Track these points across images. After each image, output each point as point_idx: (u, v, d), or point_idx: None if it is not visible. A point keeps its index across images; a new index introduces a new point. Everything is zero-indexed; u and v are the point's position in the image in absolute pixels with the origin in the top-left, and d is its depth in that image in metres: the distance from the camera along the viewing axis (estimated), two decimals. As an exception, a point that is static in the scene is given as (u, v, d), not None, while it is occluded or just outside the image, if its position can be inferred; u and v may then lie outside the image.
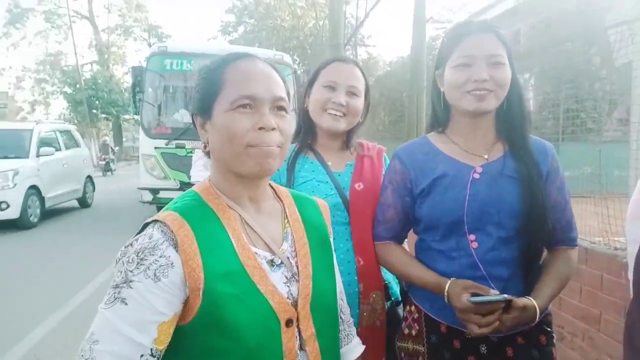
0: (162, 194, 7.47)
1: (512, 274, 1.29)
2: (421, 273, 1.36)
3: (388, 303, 1.61)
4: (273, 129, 0.91)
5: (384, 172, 1.68)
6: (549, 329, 1.36)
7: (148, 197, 7.65)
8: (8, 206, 8.07)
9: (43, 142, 9.59)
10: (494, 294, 1.19)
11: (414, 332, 1.41)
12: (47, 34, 31.55)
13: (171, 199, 1.01)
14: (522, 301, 1.17)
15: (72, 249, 6.96)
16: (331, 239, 1.13)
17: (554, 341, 1.37)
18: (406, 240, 1.59)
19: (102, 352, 0.78)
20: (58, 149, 10.13)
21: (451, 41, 1.35)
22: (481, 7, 14.99)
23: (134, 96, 7.95)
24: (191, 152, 7.36)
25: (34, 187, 8.83)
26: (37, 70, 30.41)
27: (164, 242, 0.84)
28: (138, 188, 7.85)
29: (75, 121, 28.76)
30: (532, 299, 1.20)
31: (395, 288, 1.68)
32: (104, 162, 20.55)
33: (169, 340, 0.84)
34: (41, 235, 8.11)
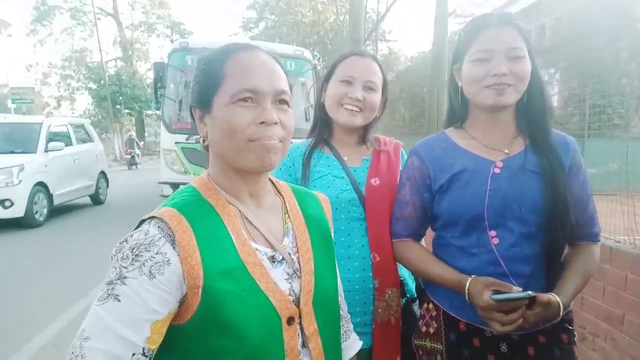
0: (182, 189, 7.53)
1: (534, 270, 1.26)
2: (441, 270, 1.34)
3: (403, 300, 1.59)
4: (275, 123, 0.89)
5: (401, 168, 1.67)
6: (570, 327, 1.32)
7: (168, 191, 7.73)
8: (12, 204, 7.60)
9: (53, 137, 9.11)
10: (516, 291, 1.16)
11: (431, 330, 1.39)
12: (73, 30, 32.18)
13: None
14: (546, 296, 1.14)
15: (79, 249, 6.59)
16: (332, 234, 1.11)
17: (575, 339, 1.34)
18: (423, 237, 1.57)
19: (92, 350, 0.76)
20: (69, 144, 9.67)
21: (469, 35, 1.32)
22: (505, 1, 14.74)
23: (156, 92, 8.04)
24: None
25: (41, 184, 8.33)
26: (63, 66, 31.00)
27: (160, 238, 0.82)
28: (159, 182, 7.96)
29: (100, 116, 29.36)
30: (555, 295, 1.17)
31: (411, 285, 1.66)
32: (129, 156, 21.07)
33: (161, 339, 0.82)
34: (47, 235, 7.61)
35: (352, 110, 1.57)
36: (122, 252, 0.82)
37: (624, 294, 2.36)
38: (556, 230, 1.24)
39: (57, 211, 9.25)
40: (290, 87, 0.97)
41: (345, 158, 1.62)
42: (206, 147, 0.96)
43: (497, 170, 1.29)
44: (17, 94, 20.98)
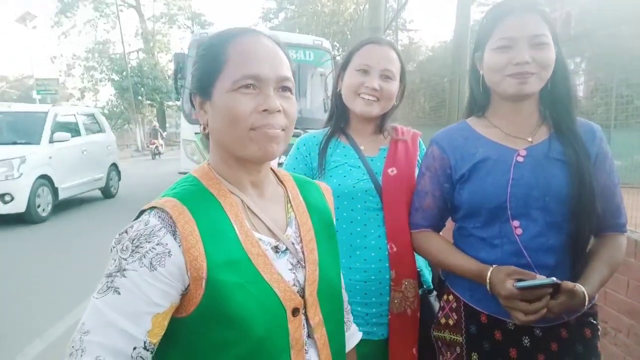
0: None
1: (559, 262, 1.23)
2: (461, 261, 1.32)
3: (420, 291, 1.57)
4: (278, 111, 0.86)
5: (419, 157, 1.64)
6: (594, 322, 1.29)
7: None
8: (12, 198, 7.07)
9: (59, 127, 8.53)
10: (540, 279, 1.13)
11: (451, 322, 1.37)
12: (96, 22, 32.57)
13: None
14: (570, 284, 1.11)
15: (84, 246, 6.14)
16: (334, 223, 1.10)
17: (599, 334, 1.31)
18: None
19: (92, 344, 0.74)
20: (77, 134, 9.13)
21: (491, 22, 1.28)
22: (529, -11, 14.39)
23: (176, 82, 8.08)
24: None
25: (44, 177, 7.78)
26: (86, 58, 31.42)
27: (161, 229, 0.80)
28: (179, 172, 8.02)
29: (122, 108, 29.80)
30: (580, 285, 1.14)
31: (428, 276, 1.65)
32: (153, 146, 21.59)
33: (163, 333, 0.80)
34: (51, 231, 7.11)
35: (368, 99, 1.55)
36: (121, 243, 0.80)
37: (649, 288, 2.31)
38: (582, 220, 1.21)
39: (64, 205, 8.75)
40: (294, 73, 0.94)
41: (362, 147, 1.60)
42: (207, 135, 0.94)
43: (520, 159, 1.26)
44: (42, 85, 21.37)
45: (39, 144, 7.94)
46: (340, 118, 1.67)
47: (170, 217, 0.81)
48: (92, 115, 10.40)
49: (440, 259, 1.39)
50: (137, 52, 33.25)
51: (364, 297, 1.50)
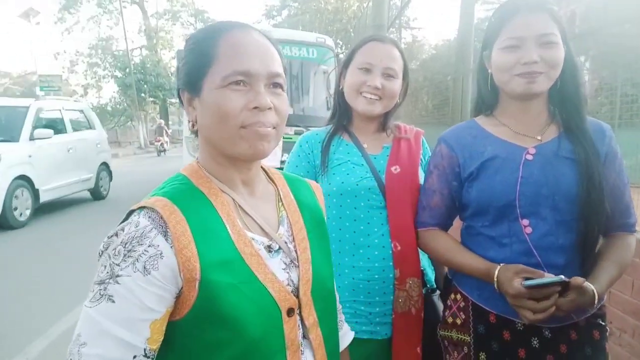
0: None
1: (569, 261, 1.22)
2: (469, 259, 1.31)
3: (423, 290, 1.56)
4: (269, 108, 0.84)
5: (421, 156, 1.64)
6: (603, 323, 1.28)
7: None
8: None
9: (42, 123, 7.90)
10: (548, 277, 1.12)
11: (459, 322, 1.36)
12: (99, 19, 32.57)
13: None
14: (580, 279, 1.10)
15: (65, 253, 5.68)
16: (326, 222, 1.09)
17: (607, 336, 1.30)
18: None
19: (90, 356, 0.72)
20: (62, 131, 8.46)
21: (499, 20, 1.28)
22: (534, -13, 14.30)
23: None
24: None
25: (23, 178, 7.10)
26: (89, 54, 31.49)
27: (152, 229, 0.77)
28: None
29: (125, 104, 29.82)
30: (589, 283, 1.13)
31: (431, 275, 1.64)
32: (159, 144, 21.86)
33: (162, 338, 0.79)
34: (29, 237, 6.51)
35: (370, 98, 1.55)
36: (112, 247, 0.77)
37: (654, 289, 2.29)
38: (592, 219, 1.20)
39: (47, 209, 8.14)
40: (285, 69, 0.92)
41: (365, 145, 1.60)
42: (195, 132, 0.92)
43: (529, 157, 1.26)
44: (45, 81, 21.34)
45: (17, 141, 7.26)
46: (342, 116, 1.66)
47: (161, 217, 0.78)
48: (81, 111, 9.62)
49: (448, 258, 1.38)
50: (140, 49, 33.28)
51: (367, 296, 1.49)
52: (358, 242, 1.50)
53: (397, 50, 1.59)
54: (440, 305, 1.57)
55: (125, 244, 0.76)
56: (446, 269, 1.53)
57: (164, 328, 0.78)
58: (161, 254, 0.76)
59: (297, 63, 6.91)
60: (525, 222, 1.23)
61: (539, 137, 1.28)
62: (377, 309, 1.50)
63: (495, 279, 1.19)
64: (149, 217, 0.78)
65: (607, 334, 1.30)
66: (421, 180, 1.58)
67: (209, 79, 0.84)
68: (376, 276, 1.49)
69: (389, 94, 1.56)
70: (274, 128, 0.86)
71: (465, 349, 1.33)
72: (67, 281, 4.66)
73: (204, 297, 0.78)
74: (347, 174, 1.52)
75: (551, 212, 1.22)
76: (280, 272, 0.89)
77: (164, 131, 22.93)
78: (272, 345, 0.85)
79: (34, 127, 7.62)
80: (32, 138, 7.50)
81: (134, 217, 0.79)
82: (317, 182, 1.56)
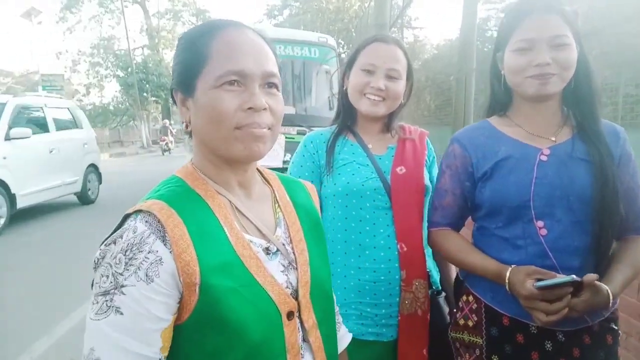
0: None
1: (584, 263, 1.21)
2: (480, 260, 1.30)
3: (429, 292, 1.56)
4: (264, 109, 0.82)
5: (426, 156, 1.64)
6: (615, 327, 1.28)
7: None
8: None
9: (20, 121, 7.24)
10: (560, 278, 1.11)
11: (470, 324, 1.35)
12: (101, 18, 32.61)
13: None
14: (593, 276, 1.09)
15: (43, 265, 5.16)
16: (322, 223, 1.08)
17: (619, 340, 1.29)
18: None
19: None
20: (44, 130, 7.77)
21: (511, 22, 1.27)
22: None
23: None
24: None
25: None
26: (91, 54, 31.46)
27: (150, 235, 0.74)
28: None
29: (127, 104, 29.83)
30: (603, 284, 1.12)
31: (436, 277, 1.64)
32: (163, 143, 22.25)
33: (170, 344, 0.77)
34: (4, 247, 5.94)
35: (374, 99, 1.54)
36: (112, 256, 0.74)
37: (659, 291, 2.28)
38: (605, 221, 1.19)
39: (27, 214, 7.49)
40: (280, 68, 0.90)
41: (369, 146, 1.59)
42: (189, 133, 0.89)
43: (543, 158, 1.25)
44: (47, 81, 21.35)
45: None
46: (347, 116, 1.66)
47: (159, 221, 0.76)
48: (67, 109, 8.86)
49: (459, 258, 1.38)
50: (142, 49, 33.31)
51: (374, 298, 1.49)
52: (364, 243, 1.50)
53: (400, 50, 1.58)
54: (446, 308, 1.57)
55: (126, 252, 0.73)
56: (457, 271, 1.52)
57: (171, 334, 0.77)
58: (160, 259, 0.74)
59: (299, 63, 6.89)
60: (540, 223, 1.22)
61: (553, 138, 1.28)
62: (383, 311, 1.49)
63: (507, 281, 1.19)
64: (146, 221, 0.76)
65: (619, 338, 1.29)
66: (426, 181, 1.58)
67: (203, 79, 0.82)
68: (382, 277, 1.49)
69: (393, 95, 1.56)
70: (269, 129, 0.85)
71: (477, 351, 1.32)
72: (31, 304, 4.28)
73: (204, 302, 0.76)
74: (353, 174, 1.52)
75: (566, 214, 1.21)
76: (278, 275, 0.88)
77: (169, 131, 23.20)
78: (273, 349, 0.83)
79: (11, 126, 6.99)
80: (7, 138, 6.88)
81: (130, 222, 0.77)
82: (322, 182, 1.57)
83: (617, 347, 1.28)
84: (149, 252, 0.74)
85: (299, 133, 5.86)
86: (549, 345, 1.23)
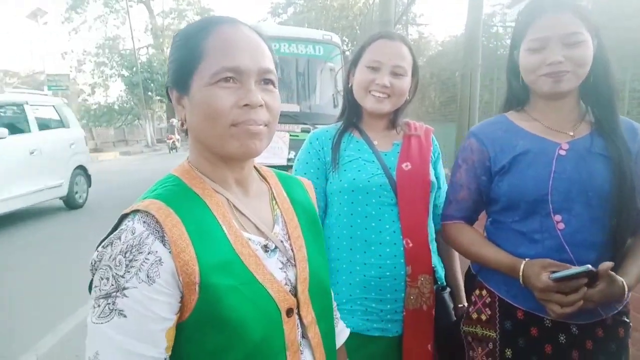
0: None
1: (600, 258, 1.20)
2: (494, 254, 1.31)
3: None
4: (260, 105, 0.82)
5: (432, 153, 1.64)
6: (627, 320, 1.29)
7: None
8: None
9: None
10: (575, 268, 1.12)
11: (484, 317, 1.36)
12: (106, 18, 32.68)
13: None
14: (607, 264, 1.10)
15: (16, 278, 4.79)
16: (320, 220, 1.08)
17: (630, 332, 1.30)
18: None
19: None
20: (24, 130, 7.14)
21: (524, 21, 1.28)
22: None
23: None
24: None
25: None
26: (96, 53, 31.55)
27: (148, 235, 0.74)
28: None
29: (132, 103, 29.93)
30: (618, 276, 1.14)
31: (441, 272, 1.64)
32: (170, 141, 22.82)
33: (173, 343, 0.77)
34: None
35: (379, 97, 1.54)
36: (110, 257, 0.73)
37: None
38: (622, 216, 1.20)
39: (5, 222, 6.95)
40: (276, 65, 0.90)
41: (375, 142, 1.60)
42: (185, 131, 0.89)
43: (562, 153, 1.26)
44: (53, 80, 21.47)
45: None
46: (352, 113, 1.66)
47: (157, 221, 0.75)
48: (52, 107, 8.15)
49: (473, 251, 1.38)
50: (147, 48, 33.39)
51: (379, 294, 1.50)
52: (370, 239, 1.50)
53: (405, 47, 1.58)
54: (450, 303, 1.58)
55: (125, 254, 0.73)
56: (469, 265, 1.53)
57: (174, 333, 0.77)
58: (160, 260, 0.73)
59: (304, 60, 6.89)
60: (557, 217, 1.23)
61: (571, 133, 1.28)
62: (389, 306, 1.50)
63: (521, 274, 1.20)
64: (144, 222, 0.75)
65: (630, 330, 1.30)
66: (432, 177, 1.58)
67: (198, 77, 0.81)
68: (388, 273, 1.49)
69: (398, 92, 1.56)
70: (265, 126, 0.84)
71: (491, 344, 1.33)
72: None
73: (204, 300, 0.76)
74: (359, 171, 1.52)
75: (584, 209, 1.22)
76: (277, 272, 0.88)
77: (176, 129, 23.41)
78: (273, 347, 0.84)
79: None
80: None
81: (128, 223, 0.76)
82: (327, 178, 1.57)
83: (628, 339, 1.29)
84: (148, 253, 0.73)
85: (303, 131, 5.86)
86: (562, 338, 1.25)
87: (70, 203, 8.22)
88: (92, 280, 0.76)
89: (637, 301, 2.49)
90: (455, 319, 1.56)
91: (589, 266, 1.08)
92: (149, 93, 29.10)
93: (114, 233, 0.76)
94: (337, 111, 1.77)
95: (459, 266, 1.73)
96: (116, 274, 0.72)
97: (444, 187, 1.72)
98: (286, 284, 0.89)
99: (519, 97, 1.39)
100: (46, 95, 9.11)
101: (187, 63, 0.83)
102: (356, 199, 1.51)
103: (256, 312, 0.81)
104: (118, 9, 32.47)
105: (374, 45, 1.58)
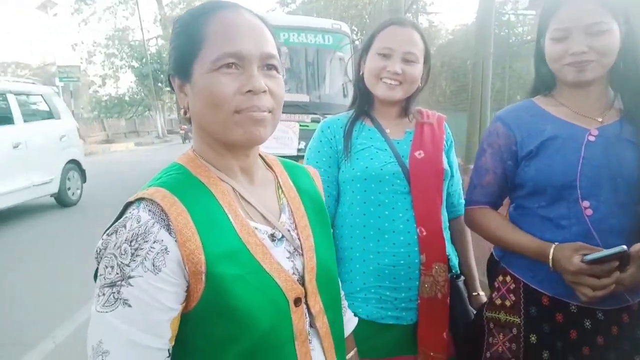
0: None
1: (628, 245, 1.19)
2: (522, 238, 1.31)
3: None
4: (263, 91, 0.80)
5: (445, 140, 1.63)
6: None
7: None
8: None
9: None
10: (608, 250, 1.11)
11: (508, 303, 1.36)
12: (115, 9, 32.71)
13: None
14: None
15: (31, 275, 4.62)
16: (326, 209, 1.06)
17: None
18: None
19: None
20: (6, 122, 6.50)
21: (548, 10, 1.28)
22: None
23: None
24: None
25: None
26: (106, 45, 31.68)
27: (154, 224, 0.72)
28: None
29: (142, 94, 30.08)
30: None
31: (455, 261, 1.63)
32: (183, 132, 22.98)
33: (176, 333, 0.76)
34: None
35: (390, 84, 1.53)
36: (115, 245, 0.72)
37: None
38: None
39: None
40: (279, 50, 0.88)
41: (387, 130, 1.58)
42: (188, 120, 0.87)
43: (591, 138, 1.25)
44: (64, 72, 21.58)
45: None
46: (363, 101, 1.64)
47: (162, 210, 0.74)
48: (40, 96, 7.45)
49: (499, 235, 1.38)
50: (156, 39, 33.43)
51: (393, 282, 1.49)
52: (383, 227, 1.50)
53: (417, 33, 1.56)
54: (465, 291, 1.58)
55: (131, 242, 0.71)
56: (491, 250, 1.52)
57: (179, 323, 0.76)
58: (166, 249, 0.72)
59: (313, 50, 6.85)
60: (585, 203, 1.23)
61: (600, 119, 1.27)
62: (403, 295, 1.49)
63: (551, 257, 1.20)
64: (149, 210, 0.74)
65: None
66: (445, 165, 1.57)
67: (199, 63, 0.80)
68: (402, 261, 1.48)
69: (410, 78, 1.54)
70: (269, 112, 0.82)
71: (515, 330, 1.33)
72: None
73: (210, 290, 0.75)
74: (371, 159, 1.51)
75: (612, 195, 1.21)
76: (285, 261, 0.87)
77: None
78: (280, 336, 0.83)
79: None
80: None
81: (133, 211, 0.75)
82: (339, 167, 1.57)
83: None
84: (154, 242, 0.72)
85: (313, 121, 5.85)
86: (588, 324, 1.25)
87: (62, 200, 7.60)
88: (97, 269, 0.75)
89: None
90: (470, 306, 1.56)
91: (624, 247, 1.08)
92: (159, 84, 29.19)
93: (119, 221, 0.75)
94: (347, 101, 1.75)
95: (473, 254, 1.72)
96: (121, 262, 0.71)
97: (457, 175, 1.71)
98: (294, 273, 0.88)
99: (546, 82, 1.38)
100: (33, 83, 8.37)
101: (188, 50, 0.82)
102: (369, 187, 1.51)
103: (264, 301, 0.80)
104: (127, -1, 32.52)
105: (384, 32, 1.56)
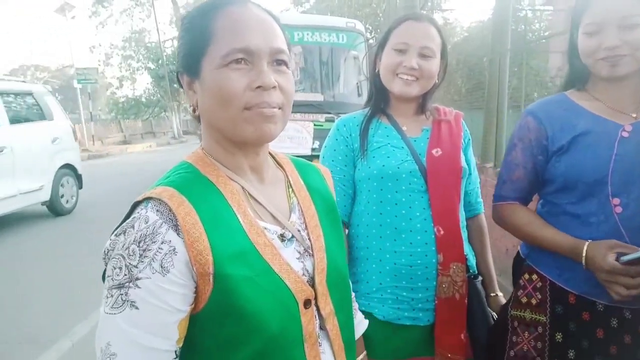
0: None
1: None
2: (553, 235, 1.29)
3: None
4: (273, 87, 0.78)
5: (462, 138, 1.60)
6: None
7: None
8: None
9: None
10: None
11: (534, 302, 1.35)
12: (132, 11, 33.07)
13: None
14: None
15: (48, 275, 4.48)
16: (337, 208, 1.04)
17: None
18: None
19: None
20: None
21: (581, 4, 1.26)
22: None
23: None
24: None
25: None
26: (123, 47, 32.05)
27: (162, 224, 0.72)
28: None
29: (159, 95, 30.38)
30: None
31: (472, 260, 1.61)
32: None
33: (185, 334, 0.75)
34: None
35: (407, 79, 1.50)
36: (123, 246, 0.71)
37: None
38: None
39: None
40: (289, 45, 0.86)
41: (404, 128, 1.56)
42: (197, 117, 0.87)
43: (625, 134, 1.22)
44: (82, 74, 21.93)
45: None
46: (379, 98, 1.62)
47: (170, 210, 0.73)
48: (30, 95, 6.75)
49: (529, 232, 1.36)
50: (172, 41, 33.64)
51: (410, 282, 1.47)
52: (400, 226, 1.47)
53: (434, 28, 1.53)
54: (483, 291, 1.54)
55: (139, 243, 0.71)
56: (518, 248, 1.49)
57: (187, 324, 0.75)
58: (174, 249, 0.71)
59: (327, 49, 6.83)
60: (616, 201, 1.20)
61: (634, 115, 1.25)
62: (420, 295, 1.47)
63: (584, 255, 1.17)
64: (157, 210, 0.73)
65: None
66: (463, 163, 1.54)
67: (208, 59, 0.79)
68: (419, 261, 1.46)
69: (427, 74, 1.51)
70: (279, 108, 0.81)
71: (540, 329, 1.32)
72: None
73: (219, 291, 0.74)
74: (388, 157, 1.49)
75: None
76: (294, 262, 0.85)
77: None
78: (290, 338, 0.81)
79: None
80: None
81: (141, 211, 0.74)
82: (355, 165, 1.55)
83: None
84: (162, 243, 0.71)
85: (327, 120, 5.83)
86: (614, 323, 1.23)
87: (54, 209, 6.89)
88: (105, 270, 0.75)
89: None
90: (487, 308, 1.53)
91: None
92: (175, 85, 29.40)
93: (127, 221, 0.75)
94: (361, 100, 1.74)
95: (490, 254, 1.68)
96: (129, 263, 0.70)
97: (475, 173, 1.68)
98: (303, 274, 0.86)
99: (580, 76, 1.36)
100: (23, 81, 7.67)
101: (196, 46, 0.81)
102: (385, 186, 1.48)
103: (273, 303, 0.78)
104: (143, 1, 32.80)
105: (400, 27, 1.54)
